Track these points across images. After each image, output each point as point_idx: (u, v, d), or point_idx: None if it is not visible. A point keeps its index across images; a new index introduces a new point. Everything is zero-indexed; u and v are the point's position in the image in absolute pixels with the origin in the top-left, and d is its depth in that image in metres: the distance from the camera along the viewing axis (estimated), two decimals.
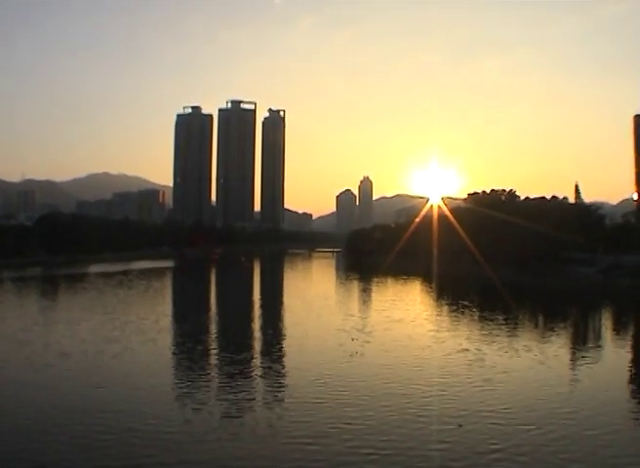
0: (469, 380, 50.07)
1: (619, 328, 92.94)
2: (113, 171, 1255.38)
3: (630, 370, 60.11)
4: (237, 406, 42.93)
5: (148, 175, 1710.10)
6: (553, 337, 75.42)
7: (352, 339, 69.67)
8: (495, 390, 47.00)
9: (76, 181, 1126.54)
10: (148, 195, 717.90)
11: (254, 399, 45.30)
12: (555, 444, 34.94)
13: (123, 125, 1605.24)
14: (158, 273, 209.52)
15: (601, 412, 41.45)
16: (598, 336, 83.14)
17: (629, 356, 69.15)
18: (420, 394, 45.70)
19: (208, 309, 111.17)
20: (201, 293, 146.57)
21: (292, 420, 39.46)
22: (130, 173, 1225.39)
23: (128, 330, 75.57)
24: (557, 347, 68.55)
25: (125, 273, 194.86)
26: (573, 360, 63.33)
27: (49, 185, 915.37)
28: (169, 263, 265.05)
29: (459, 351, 63.21)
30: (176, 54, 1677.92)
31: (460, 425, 37.71)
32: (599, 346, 73.08)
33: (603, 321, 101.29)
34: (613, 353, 68.40)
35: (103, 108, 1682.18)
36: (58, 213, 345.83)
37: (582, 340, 78.44)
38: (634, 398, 48.00)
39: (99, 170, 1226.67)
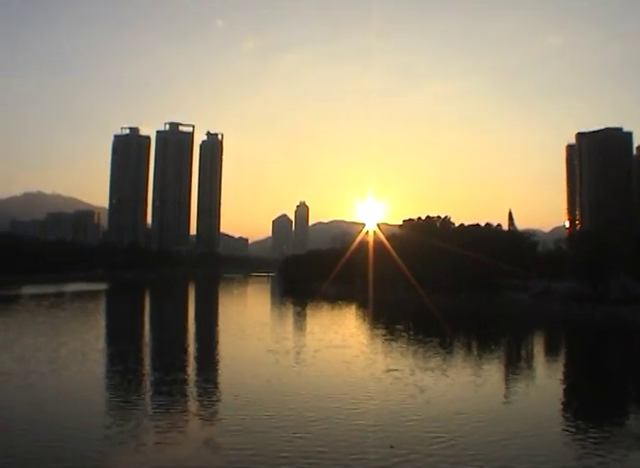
0: (398, 400, 51.72)
1: (549, 350, 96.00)
2: (47, 190, 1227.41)
3: (558, 390, 62.33)
4: (172, 421, 43.83)
5: (83, 195, 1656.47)
6: (486, 360, 77.58)
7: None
8: (422, 410, 48.63)
9: (11, 200, 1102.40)
10: (83, 216, 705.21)
11: (188, 417, 46.07)
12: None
13: (58, 143, 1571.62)
14: (92, 295, 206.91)
15: (527, 430, 43.23)
16: (529, 359, 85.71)
17: (558, 377, 71.58)
18: (350, 413, 47.12)
19: (143, 331, 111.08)
20: (137, 316, 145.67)
21: (226, 437, 40.28)
22: (65, 193, 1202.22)
23: (64, 350, 75.52)
24: (489, 369, 70.66)
25: (59, 295, 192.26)
26: (503, 381, 65.42)
27: None
28: (103, 286, 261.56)
29: (386, 371, 65.07)
30: (115, 72, 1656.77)
31: (392, 446, 38.92)
32: (529, 368, 75.54)
33: (534, 344, 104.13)
34: (543, 374, 70.70)
35: (39, 125, 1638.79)
36: None
37: (514, 362, 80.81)
38: (561, 416, 49.76)
39: (32, 189, 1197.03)
